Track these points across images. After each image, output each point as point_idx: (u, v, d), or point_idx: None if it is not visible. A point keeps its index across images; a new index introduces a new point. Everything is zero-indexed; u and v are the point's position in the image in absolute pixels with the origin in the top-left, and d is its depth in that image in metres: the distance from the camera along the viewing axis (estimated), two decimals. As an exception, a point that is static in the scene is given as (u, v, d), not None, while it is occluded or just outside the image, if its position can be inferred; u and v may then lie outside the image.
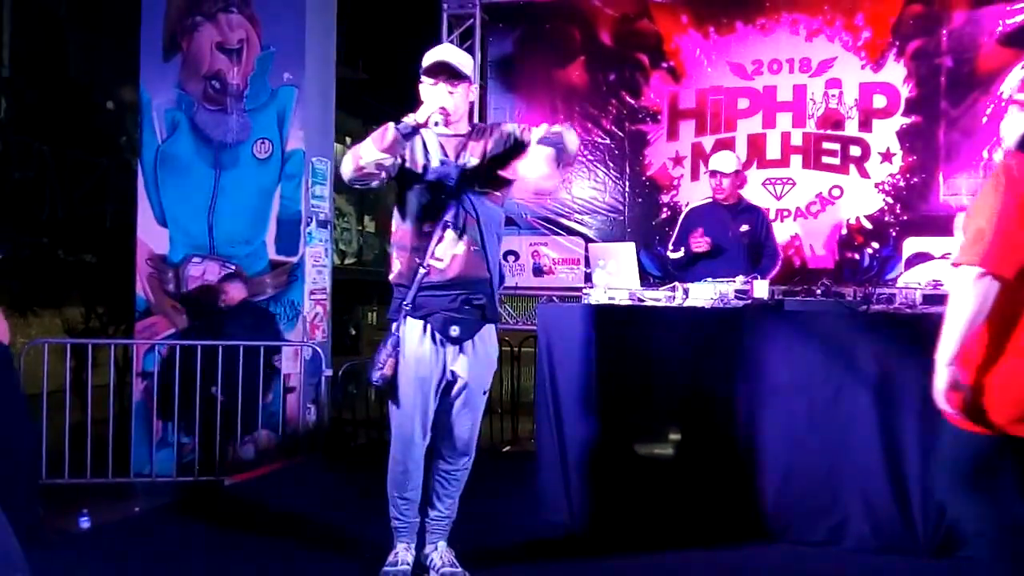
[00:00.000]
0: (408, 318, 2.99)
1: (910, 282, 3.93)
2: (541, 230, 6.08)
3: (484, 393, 3.16)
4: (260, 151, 5.77)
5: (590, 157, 6.07)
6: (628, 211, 6.05)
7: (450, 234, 2.97)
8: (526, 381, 6.19)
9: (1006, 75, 5.39)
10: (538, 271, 5.91)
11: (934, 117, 5.54)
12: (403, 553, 3.14)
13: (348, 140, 8.72)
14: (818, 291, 3.92)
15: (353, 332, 12.17)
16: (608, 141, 6.04)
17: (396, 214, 3.08)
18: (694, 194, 5.80)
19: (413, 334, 3.01)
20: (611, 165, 6.04)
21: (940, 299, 3.67)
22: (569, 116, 6.05)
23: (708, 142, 5.87)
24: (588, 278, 4.27)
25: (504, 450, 6.07)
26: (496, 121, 4.33)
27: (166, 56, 5.96)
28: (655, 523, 3.66)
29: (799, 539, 3.56)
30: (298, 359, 5.64)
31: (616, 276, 4.23)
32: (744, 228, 4.82)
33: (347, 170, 2.94)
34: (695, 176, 5.91)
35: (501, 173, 3.01)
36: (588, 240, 5.84)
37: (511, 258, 5.85)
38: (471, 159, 3.02)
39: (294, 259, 5.73)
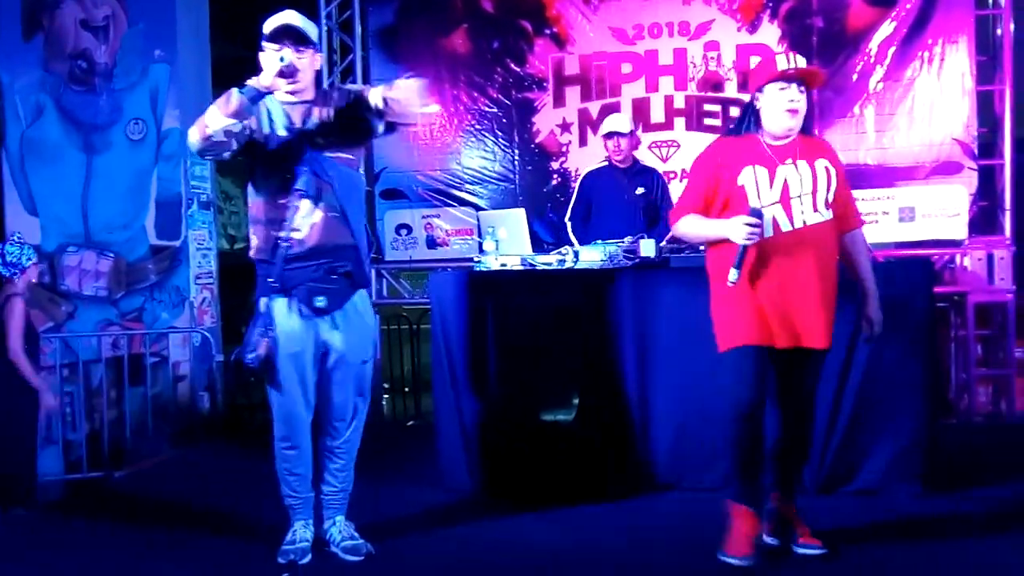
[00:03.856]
0: (276, 294, 2.93)
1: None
2: (433, 202, 6.04)
3: (364, 363, 3.11)
4: (133, 132, 5.54)
5: (478, 126, 6.04)
6: (519, 179, 6.05)
7: (305, 203, 2.91)
8: (428, 357, 6.18)
9: (874, 33, 5.60)
10: (432, 243, 5.87)
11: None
12: (301, 531, 3.10)
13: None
14: (702, 247, 4.01)
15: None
16: (495, 110, 6.02)
17: (250, 188, 3.01)
18: (583, 160, 5.85)
19: (280, 309, 2.95)
20: (500, 134, 6.03)
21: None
22: (455, 85, 6.01)
23: (594, 108, 5.92)
24: (482, 247, 4.26)
25: (408, 424, 6.05)
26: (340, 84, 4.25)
27: (26, 36, 5.65)
28: (554, 484, 3.71)
29: (693, 486, 3.67)
30: (187, 346, 5.47)
31: (507, 243, 4.23)
32: (640, 191, 4.84)
33: (194, 139, 2.85)
34: (583, 142, 5.96)
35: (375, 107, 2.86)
36: (480, 210, 5.83)
37: (404, 231, 5.80)
38: (319, 124, 2.95)
39: (176, 243, 5.54)
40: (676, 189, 5.76)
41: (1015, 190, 5.40)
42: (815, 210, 2.85)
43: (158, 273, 5.52)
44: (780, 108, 2.83)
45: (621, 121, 4.97)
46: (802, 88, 2.85)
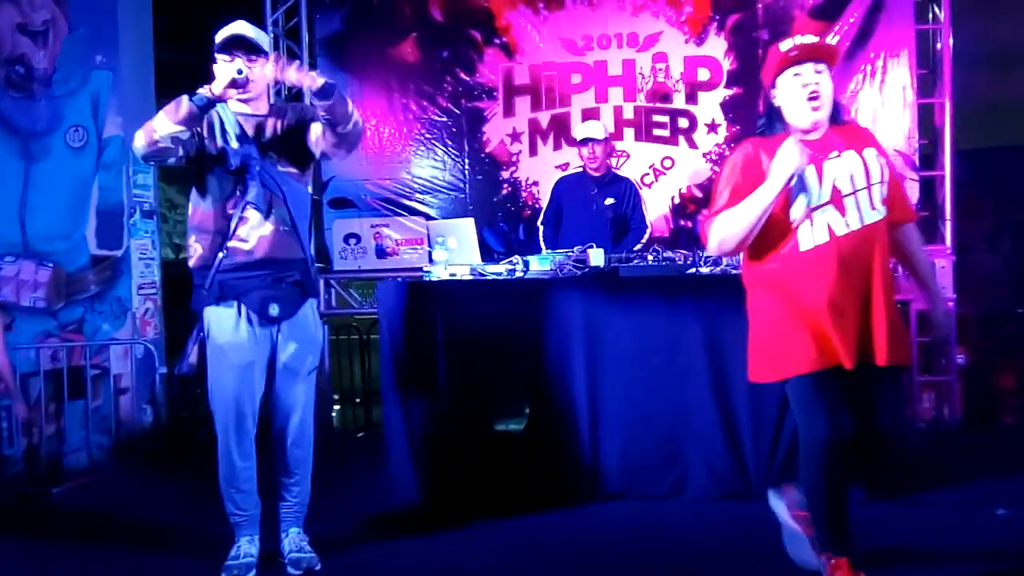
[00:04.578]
0: (217, 304, 2.90)
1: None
2: (382, 211, 5.98)
3: (310, 373, 3.09)
4: (74, 139, 5.39)
5: (428, 135, 6.01)
6: (469, 188, 6.03)
7: (255, 214, 2.91)
8: (378, 368, 6.12)
9: (817, 47, 5.68)
10: (381, 253, 5.81)
11: (754, 88, 5.77)
12: (245, 546, 3.05)
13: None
14: (650, 257, 4.05)
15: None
16: (445, 119, 5.99)
17: (195, 196, 2.98)
18: (534, 170, 5.86)
19: (226, 320, 2.92)
20: (450, 143, 6.01)
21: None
22: (404, 94, 5.97)
23: (544, 118, 5.93)
24: (431, 257, 4.23)
25: (358, 436, 5.97)
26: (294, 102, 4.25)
27: (-41, 40, 5.48)
28: (505, 493, 3.69)
29: (643, 494, 3.69)
30: (128, 358, 5.34)
31: (457, 252, 4.22)
32: (609, 201, 4.82)
33: (140, 144, 2.83)
34: (533, 152, 5.96)
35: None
36: (430, 219, 5.79)
37: (352, 241, 5.74)
38: (272, 138, 2.96)
39: (118, 253, 5.40)
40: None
41: (955, 201, 5.52)
42: (872, 208, 2.51)
43: (99, 284, 5.38)
44: (799, 98, 2.50)
45: (596, 128, 4.96)
46: (819, 67, 2.51)
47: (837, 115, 2.61)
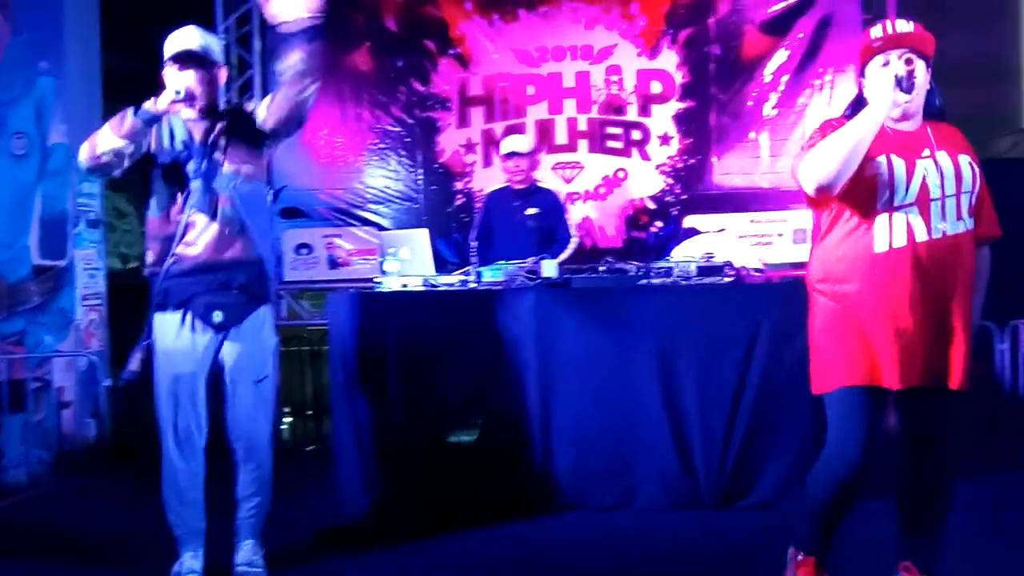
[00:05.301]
0: (161, 310, 2.87)
1: (686, 255, 4.13)
2: (335, 221, 5.93)
3: (258, 382, 3.03)
4: (16, 147, 5.26)
5: (382, 145, 5.97)
6: (423, 199, 6.01)
7: (201, 218, 2.87)
8: (329, 380, 6.06)
9: (768, 61, 5.78)
10: (333, 263, 5.75)
11: (706, 102, 5.86)
12: (189, 561, 2.99)
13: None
14: (602, 268, 4.07)
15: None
16: (399, 129, 5.97)
17: (152, 204, 2.94)
18: (488, 180, 5.85)
19: (170, 326, 2.88)
20: (403, 153, 5.98)
21: (714, 270, 3.89)
22: (358, 103, 5.93)
23: (499, 128, 5.93)
24: (383, 268, 4.20)
25: (308, 449, 5.89)
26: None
27: (-102, 45, 5.33)
28: (456, 506, 3.67)
29: (594, 505, 3.69)
30: (72, 370, 5.21)
31: (410, 263, 4.19)
32: (531, 211, 4.87)
33: (83, 158, 2.82)
34: (487, 162, 5.96)
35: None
36: (383, 229, 5.76)
37: (304, 251, 5.67)
38: (219, 140, 2.92)
39: (62, 263, 5.28)
40: (577, 211, 5.84)
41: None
42: (959, 217, 2.30)
43: (42, 294, 5.25)
44: (887, 88, 2.27)
45: (520, 142, 5.01)
46: (910, 56, 2.30)
47: (934, 108, 2.41)
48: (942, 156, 2.32)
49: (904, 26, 2.34)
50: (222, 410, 3.00)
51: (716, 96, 5.83)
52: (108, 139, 2.76)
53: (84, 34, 5.56)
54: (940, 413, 2.40)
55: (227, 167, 2.90)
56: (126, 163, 2.83)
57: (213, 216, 2.87)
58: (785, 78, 5.74)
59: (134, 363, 2.90)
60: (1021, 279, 3.89)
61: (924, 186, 2.29)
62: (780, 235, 5.55)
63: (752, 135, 5.80)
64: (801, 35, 5.71)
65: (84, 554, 3.43)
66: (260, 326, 3.00)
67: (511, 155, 4.92)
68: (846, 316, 2.35)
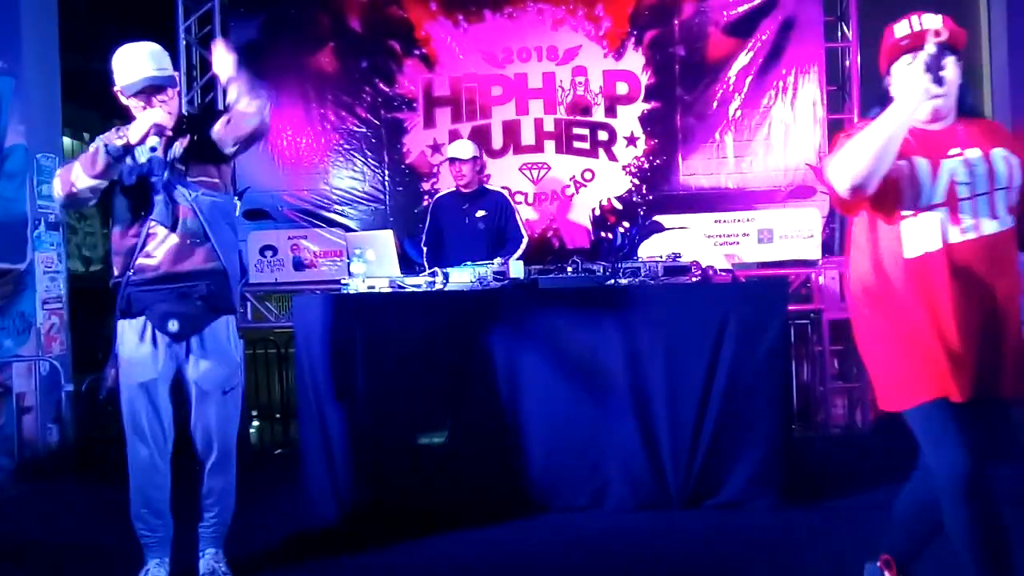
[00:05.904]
0: (124, 319, 2.86)
1: (652, 255, 4.15)
2: (300, 223, 5.88)
3: (225, 393, 3.00)
4: (-28, 148, 5.16)
5: (347, 146, 5.93)
6: (390, 200, 5.98)
7: (161, 230, 2.88)
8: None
9: (732, 63, 5.82)
10: (299, 265, 5.71)
11: (671, 103, 5.89)
12: (154, 569, 2.97)
13: (86, 136, 8.03)
14: (570, 268, 4.07)
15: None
16: (365, 129, 5.93)
17: (114, 218, 2.97)
18: (454, 182, 5.83)
19: (131, 335, 2.89)
20: (369, 154, 5.94)
21: (680, 270, 3.92)
22: (322, 104, 5.89)
23: (465, 129, 5.92)
24: (350, 269, 4.17)
25: (276, 453, 5.84)
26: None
27: None
28: (425, 509, 3.65)
29: (565, 506, 3.69)
30: (33, 375, 5.12)
31: (376, 265, 4.17)
32: (480, 214, 4.93)
33: (58, 193, 2.87)
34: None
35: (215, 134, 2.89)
36: (349, 231, 5.72)
37: (269, 253, 5.62)
38: (180, 153, 2.91)
39: (21, 266, 5.18)
40: (545, 211, 5.85)
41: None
42: (993, 216, 2.18)
43: (1, 298, 5.15)
44: (919, 76, 2.10)
45: (462, 147, 5.07)
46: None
47: (967, 103, 2.30)
48: (973, 154, 2.20)
49: (932, 20, 2.19)
50: (188, 418, 2.97)
51: (681, 97, 5.86)
52: (82, 179, 2.80)
53: (42, 33, 5.45)
54: (988, 426, 2.21)
55: (189, 179, 2.91)
56: (99, 195, 2.90)
57: (174, 227, 2.87)
58: (749, 80, 5.78)
59: (110, 379, 2.93)
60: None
61: (952, 186, 2.17)
62: (746, 235, 5.60)
63: (717, 136, 5.84)
64: (764, 36, 5.75)
65: (47, 562, 3.39)
66: (224, 337, 2.99)
67: (453, 161, 5.02)
68: (892, 329, 2.23)
